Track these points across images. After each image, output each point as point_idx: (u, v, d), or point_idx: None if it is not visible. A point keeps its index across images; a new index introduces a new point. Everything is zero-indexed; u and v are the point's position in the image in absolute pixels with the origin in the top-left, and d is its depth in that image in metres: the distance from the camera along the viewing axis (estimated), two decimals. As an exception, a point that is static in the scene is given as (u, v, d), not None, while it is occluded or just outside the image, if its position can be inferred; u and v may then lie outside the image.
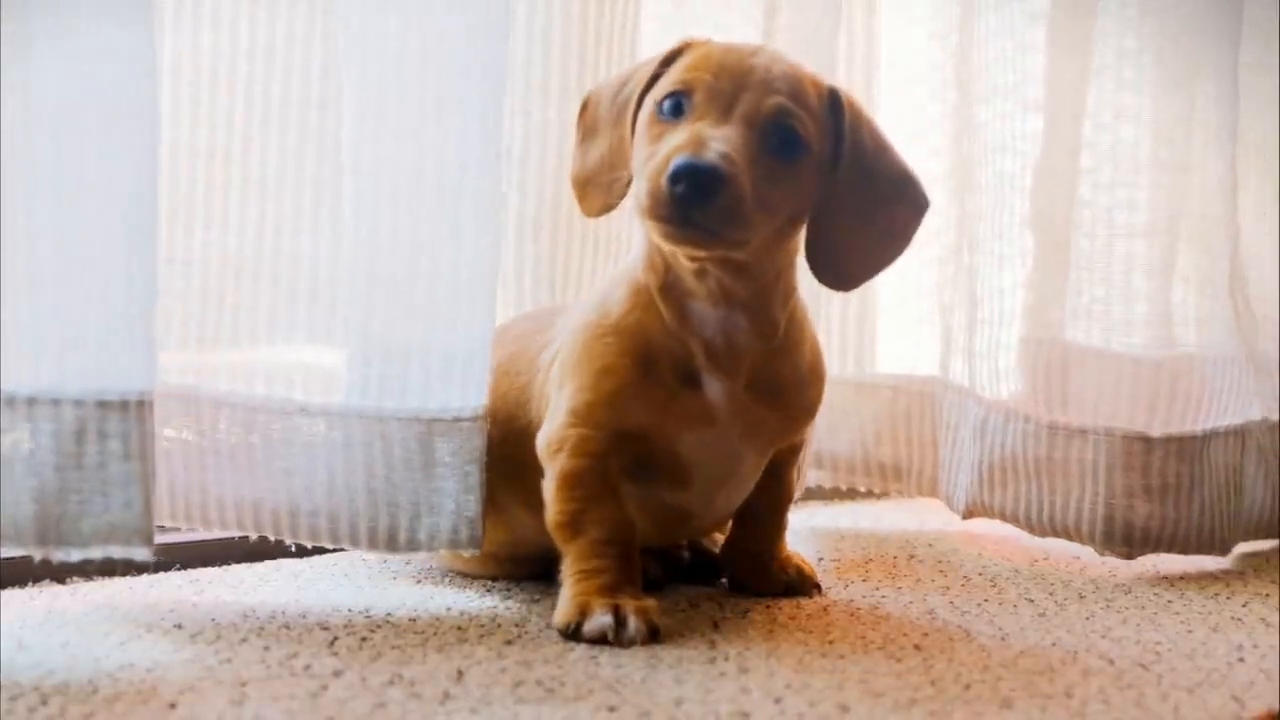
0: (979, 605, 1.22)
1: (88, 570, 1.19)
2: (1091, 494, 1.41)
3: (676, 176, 0.99)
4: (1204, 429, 1.43)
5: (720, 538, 1.28)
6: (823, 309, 1.53)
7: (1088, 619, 1.18)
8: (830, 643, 1.07)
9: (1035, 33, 1.47)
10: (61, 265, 0.96)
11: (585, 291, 1.34)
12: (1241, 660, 1.06)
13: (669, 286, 1.10)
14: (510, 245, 1.34)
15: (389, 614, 1.12)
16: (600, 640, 1.03)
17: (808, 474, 1.53)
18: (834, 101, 1.10)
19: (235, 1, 1.14)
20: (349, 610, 1.12)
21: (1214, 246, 1.49)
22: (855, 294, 1.60)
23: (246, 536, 1.16)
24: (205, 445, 1.14)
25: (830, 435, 1.61)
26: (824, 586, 1.25)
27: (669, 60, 1.10)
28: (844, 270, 1.13)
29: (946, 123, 1.56)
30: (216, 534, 1.24)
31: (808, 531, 1.54)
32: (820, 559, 1.39)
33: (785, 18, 1.48)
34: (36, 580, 1.17)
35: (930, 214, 1.62)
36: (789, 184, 1.05)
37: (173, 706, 0.86)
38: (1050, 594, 1.28)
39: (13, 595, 1.14)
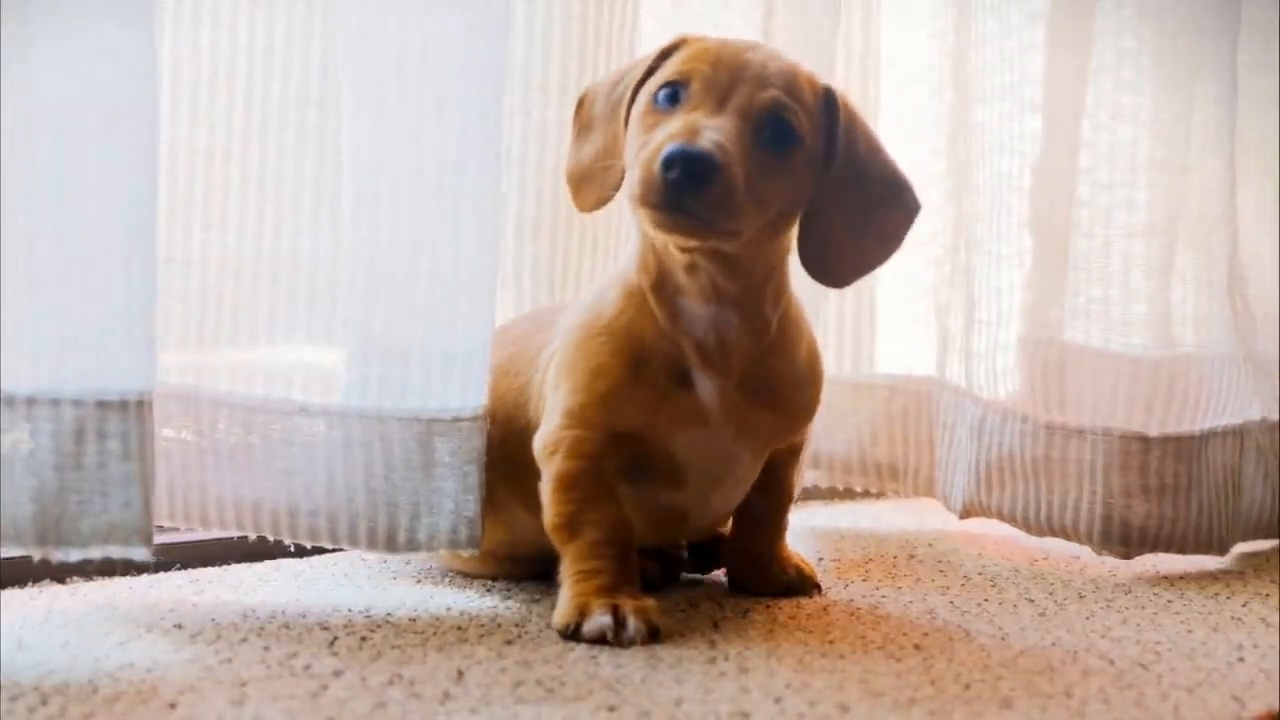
0: (979, 605, 1.22)
1: (88, 570, 1.19)
2: (1089, 494, 1.41)
3: (670, 162, 0.99)
4: (1202, 429, 1.43)
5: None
6: (820, 310, 1.53)
7: (1088, 619, 1.18)
8: (830, 643, 1.07)
9: (1034, 32, 1.47)
10: (61, 265, 0.96)
11: (585, 291, 1.34)
12: (1241, 660, 1.06)
13: (661, 284, 1.10)
14: (510, 245, 1.34)
15: (389, 614, 1.12)
16: (600, 640, 1.03)
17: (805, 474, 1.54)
18: (829, 100, 1.10)
19: (235, 1, 1.14)
20: (349, 610, 1.12)
21: (1213, 246, 1.49)
22: (852, 295, 1.61)
23: (246, 536, 1.15)
24: (204, 445, 1.14)
25: (826, 435, 1.61)
26: (824, 586, 1.25)
27: (665, 55, 1.10)
28: (835, 268, 1.13)
29: (945, 123, 1.56)
30: (216, 534, 1.23)
31: (808, 531, 1.54)
32: (820, 559, 1.39)
33: (784, 18, 1.48)
34: (36, 580, 1.17)
35: (928, 214, 1.62)
36: (782, 178, 1.06)
37: (173, 706, 0.86)
38: (1050, 594, 1.28)
39: (13, 595, 1.14)
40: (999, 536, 1.54)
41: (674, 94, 1.06)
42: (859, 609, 1.19)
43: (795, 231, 1.11)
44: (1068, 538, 1.43)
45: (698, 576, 1.29)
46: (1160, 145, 1.46)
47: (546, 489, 1.11)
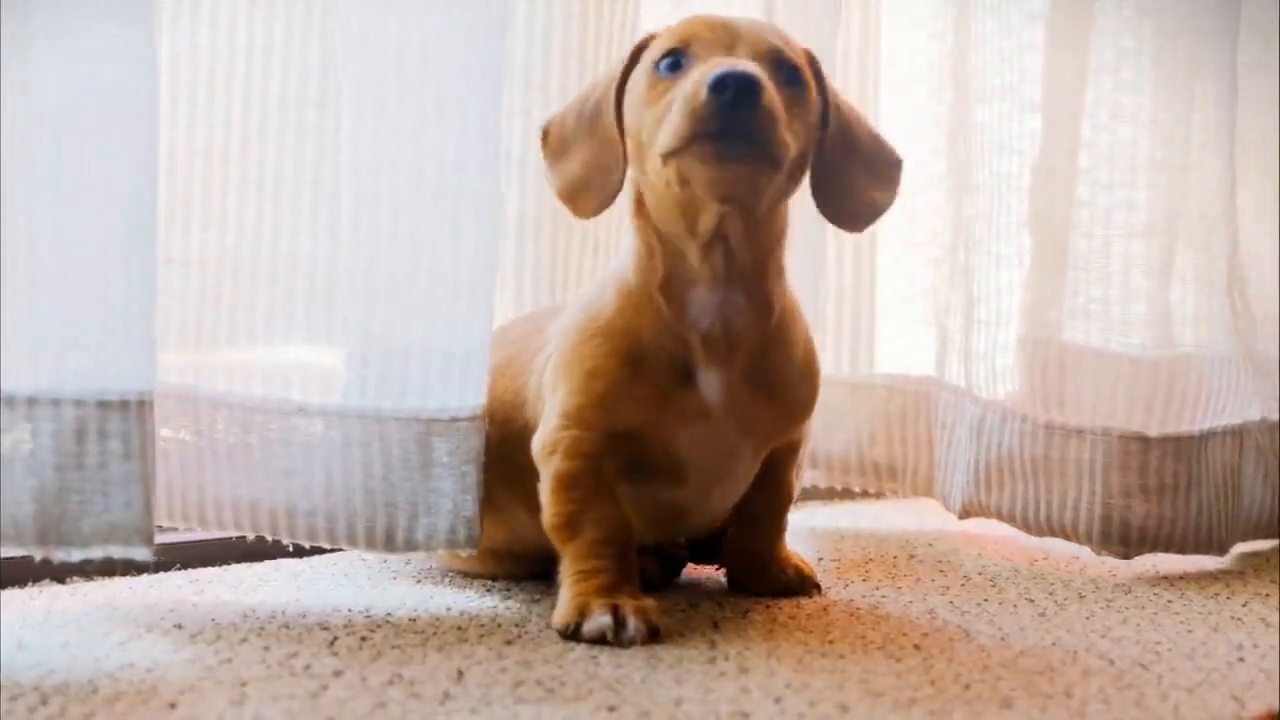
0: (979, 605, 1.22)
1: (88, 570, 1.19)
2: (1089, 494, 1.41)
3: (720, 84, 0.98)
4: (1202, 429, 1.43)
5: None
6: (820, 310, 1.53)
7: (1088, 619, 1.18)
8: (830, 643, 1.07)
9: (1034, 32, 1.47)
10: (61, 265, 0.96)
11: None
12: (1241, 660, 1.06)
13: (669, 279, 1.10)
14: (510, 245, 1.34)
15: (389, 614, 1.12)
16: (600, 640, 1.03)
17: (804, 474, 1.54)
18: (813, 61, 1.12)
19: (234, 1, 1.14)
20: (349, 610, 1.12)
21: (1212, 246, 1.49)
22: (851, 295, 1.61)
23: (245, 536, 1.15)
24: (203, 445, 1.14)
25: (825, 435, 1.61)
26: (824, 586, 1.25)
27: (640, 49, 1.10)
28: (850, 207, 1.14)
29: (945, 123, 1.56)
30: (216, 534, 1.23)
31: (807, 531, 1.54)
32: (820, 559, 1.39)
33: (783, 17, 1.48)
34: (36, 580, 1.17)
35: (928, 214, 1.62)
36: (799, 118, 1.07)
37: (173, 706, 0.86)
38: (1050, 594, 1.28)
39: (13, 595, 1.14)
40: (999, 536, 1.54)
41: (676, 62, 1.06)
42: (859, 609, 1.19)
43: (789, 220, 1.12)
44: (1067, 538, 1.43)
45: (702, 571, 1.30)
46: (1160, 145, 1.46)
47: (545, 489, 1.11)
